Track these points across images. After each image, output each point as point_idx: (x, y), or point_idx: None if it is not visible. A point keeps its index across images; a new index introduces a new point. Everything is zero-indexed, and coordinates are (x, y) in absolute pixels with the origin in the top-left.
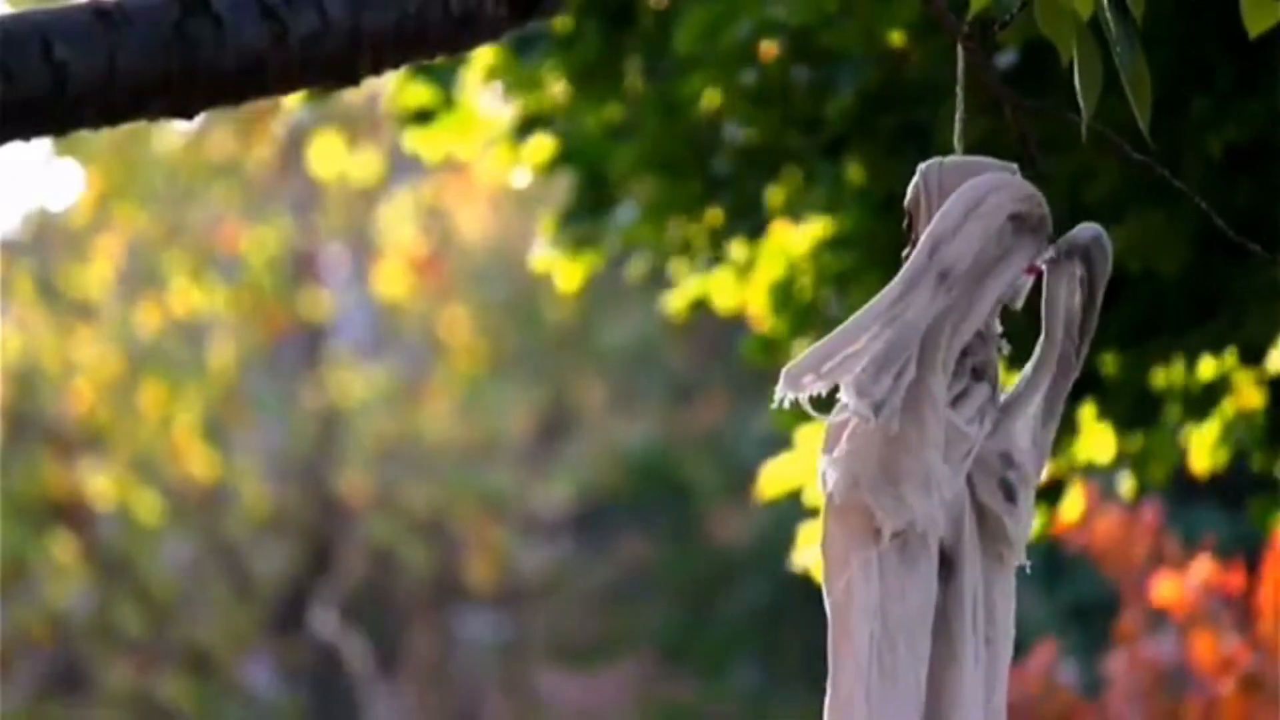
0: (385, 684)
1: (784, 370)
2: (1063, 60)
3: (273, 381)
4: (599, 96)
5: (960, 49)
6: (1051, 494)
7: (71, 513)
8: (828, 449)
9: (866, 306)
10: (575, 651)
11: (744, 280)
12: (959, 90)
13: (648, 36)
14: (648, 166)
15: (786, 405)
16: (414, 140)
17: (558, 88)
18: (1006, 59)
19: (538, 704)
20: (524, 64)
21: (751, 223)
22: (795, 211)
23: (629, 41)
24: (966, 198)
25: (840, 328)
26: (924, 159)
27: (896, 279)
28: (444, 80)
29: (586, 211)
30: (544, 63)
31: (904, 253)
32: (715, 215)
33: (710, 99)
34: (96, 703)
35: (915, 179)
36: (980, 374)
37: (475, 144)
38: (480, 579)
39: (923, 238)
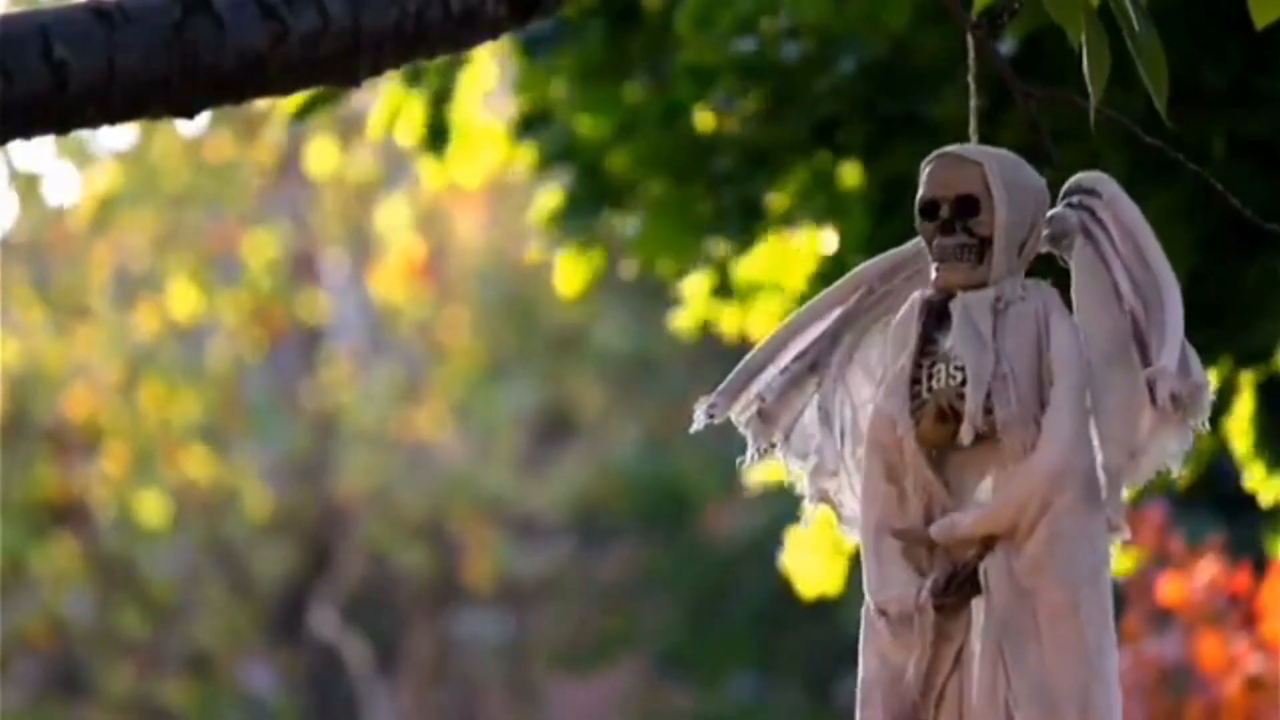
0: (385, 685)
1: (1159, 370)
2: (1072, 45)
3: (271, 384)
4: (603, 97)
5: (970, 37)
6: None
7: (71, 515)
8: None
9: (1179, 328)
10: (574, 654)
11: (748, 303)
12: (970, 80)
13: (652, 33)
14: (649, 169)
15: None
16: (429, 175)
17: (562, 88)
18: (1006, 50)
19: (537, 705)
20: (531, 62)
21: (752, 228)
22: (796, 217)
23: (633, 40)
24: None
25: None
26: (922, 146)
27: (1180, 297)
28: (442, 88)
29: (584, 208)
30: (550, 61)
31: (952, 241)
32: (717, 222)
33: (705, 110)
34: (97, 705)
35: (973, 168)
36: None
37: (476, 166)
38: (478, 580)
39: (1164, 264)
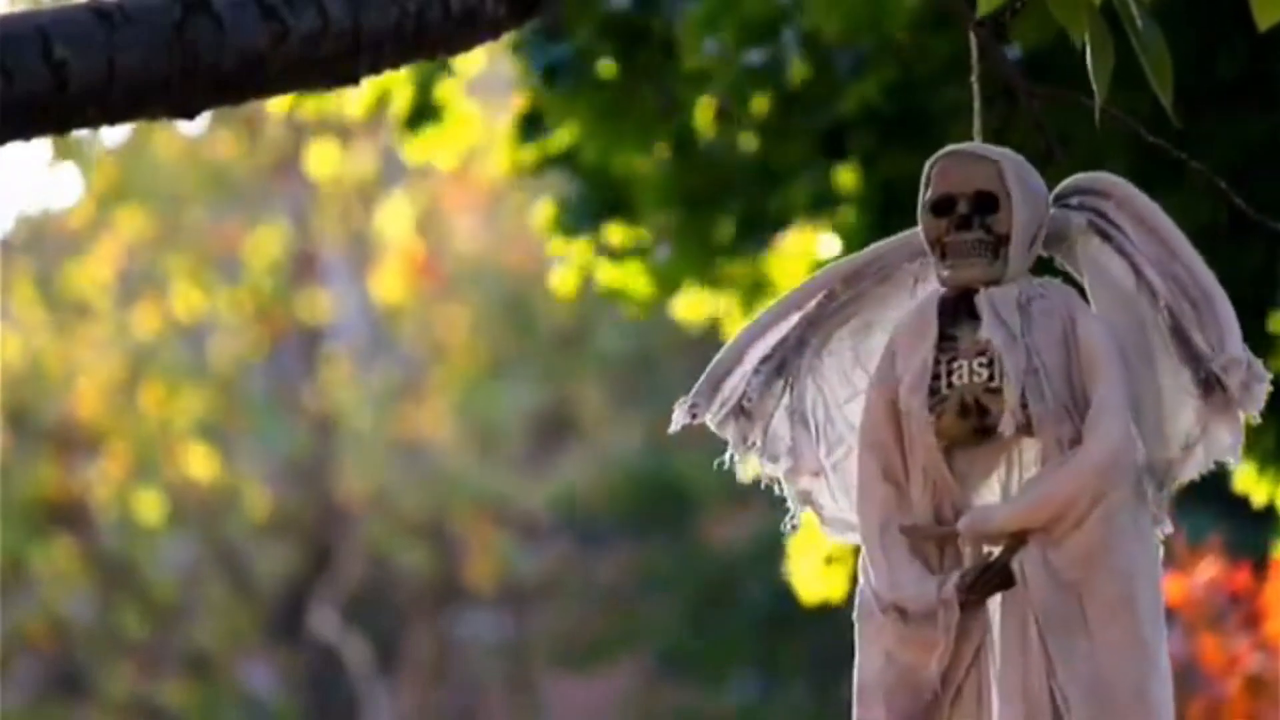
0: (385, 685)
1: (1232, 359)
2: (1075, 44)
3: (272, 384)
4: (618, 131)
5: (973, 36)
6: None
7: (71, 515)
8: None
9: (1233, 317)
10: (574, 654)
11: (753, 304)
12: (973, 79)
13: (655, 49)
14: (667, 200)
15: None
16: (409, 148)
17: (575, 125)
18: (1012, 53)
19: (537, 705)
20: (546, 95)
21: (758, 237)
22: (800, 220)
23: (641, 57)
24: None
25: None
26: (923, 149)
27: (1220, 286)
28: (432, 80)
29: (587, 212)
30: (564, 90)
31: (969, 237)
32: (728, 229)
33: (706, 111)
34: (97, 706)
35: (990, 166)
36: None
37: (462, 147)
38: (479, 580)
39: (1195, 254)
